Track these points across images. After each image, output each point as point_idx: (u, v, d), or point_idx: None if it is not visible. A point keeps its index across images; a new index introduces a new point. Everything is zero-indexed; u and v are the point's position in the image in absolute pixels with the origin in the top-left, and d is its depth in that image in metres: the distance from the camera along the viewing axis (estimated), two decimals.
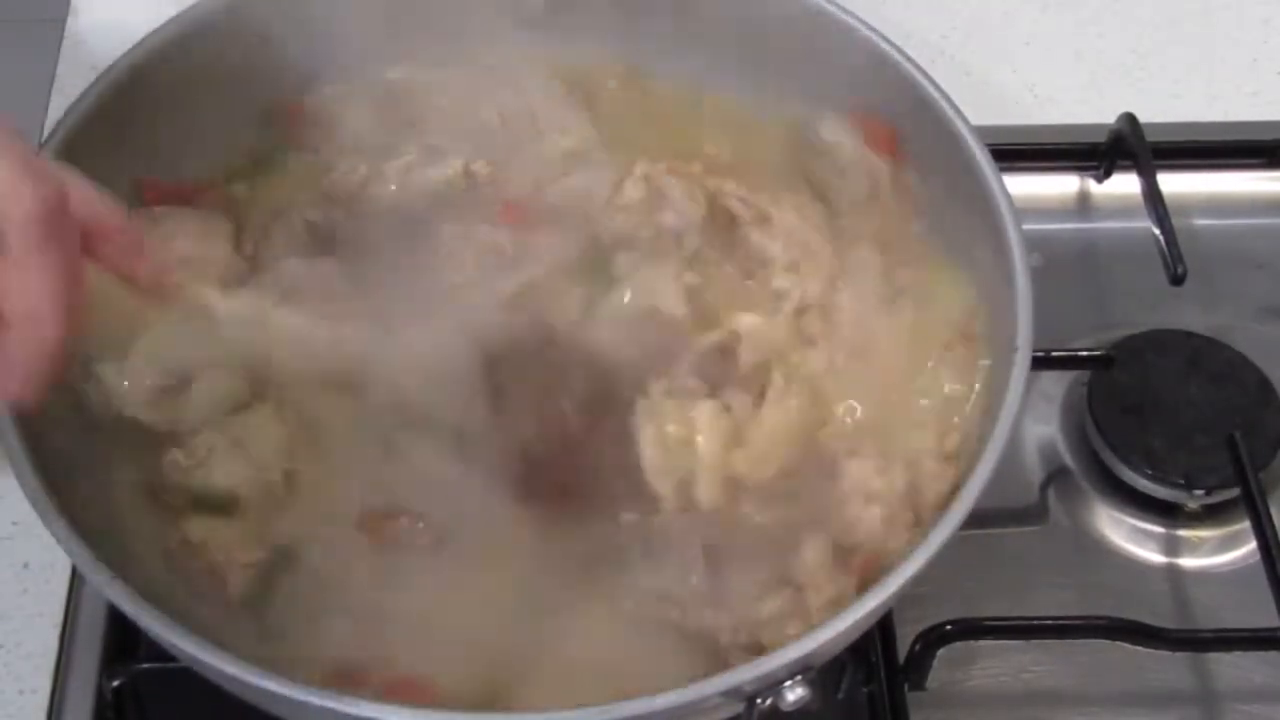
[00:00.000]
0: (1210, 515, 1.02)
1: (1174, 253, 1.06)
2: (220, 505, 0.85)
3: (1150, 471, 1.01)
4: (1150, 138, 1.12)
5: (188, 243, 0.91)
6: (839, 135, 0.97)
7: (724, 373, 0.90)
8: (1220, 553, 1.01)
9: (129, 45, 0.94)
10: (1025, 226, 0.88)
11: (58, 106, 1.09)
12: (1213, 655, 0.96)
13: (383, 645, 0.81)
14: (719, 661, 0.81)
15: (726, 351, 0.91)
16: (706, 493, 0.85)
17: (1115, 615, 0.93)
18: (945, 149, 0.93)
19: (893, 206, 0.96)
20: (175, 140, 0.95)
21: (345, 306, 0.89)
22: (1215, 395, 1.04)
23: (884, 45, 0.96)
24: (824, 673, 0.76)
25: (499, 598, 0.84)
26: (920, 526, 0.84)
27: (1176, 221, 1.07)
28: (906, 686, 0.92)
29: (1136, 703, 0.95)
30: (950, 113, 0.93)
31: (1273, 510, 0.98)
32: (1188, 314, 1.09)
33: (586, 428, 0.87)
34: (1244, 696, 0.95)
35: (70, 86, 1.14)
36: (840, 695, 0.92)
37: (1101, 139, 1.16)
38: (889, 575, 0.77)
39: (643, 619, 0.83)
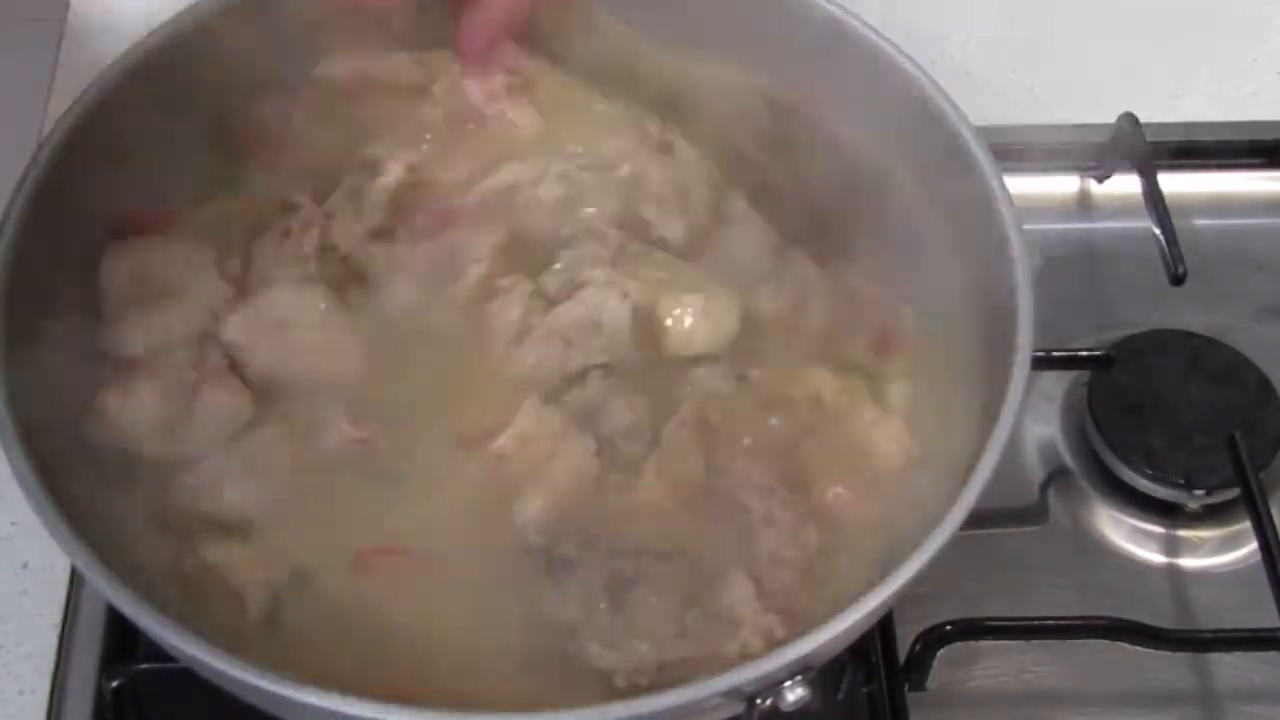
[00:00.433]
0: (1210, 515, 1.02)
1: (1174, 253, 1.06)
2: (234, 526, 0.84)
3: (1150, 471, 1.01)
4: (1150, 138, 1.13)
5: (172, 275, 0.90)
6: None
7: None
8: (1220, 553, 1.01)
9: (129, 45, 0.94)
10: (1025, 226, 0.88)
11: (57, 106, 1.09)
12: (1213, 655, 0.96)
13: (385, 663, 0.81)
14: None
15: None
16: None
17: (1115, 615, 0.93)
18: (945, 149, 0.93)
19: None
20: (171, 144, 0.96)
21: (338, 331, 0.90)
22: (1215, 395, 1.04)
23: (884, 45, 0.96)
24: (824, 673, 0.76)
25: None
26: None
27: (1177, 221, 1.07)
28: (906, 686, 0.92)
29: (1136, 703, 0.95)
30: (950, 113, 0.93)
31: (1273, 510, 0.98)
32: (1188, 314, 1.09)
33: None
34: (1244, 696, 0.96)
35: (70, 86, 1.13)
36: (840, 695, 0.92)
37: (1102, 139, 1.16)
38: (889, 575, 0.77)
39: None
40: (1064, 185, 1.19)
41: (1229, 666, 0.96)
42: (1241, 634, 0.95)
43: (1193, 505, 1.02)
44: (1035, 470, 1.05)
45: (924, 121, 0.94)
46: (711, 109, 1.00)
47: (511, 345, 0.90)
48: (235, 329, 0.88)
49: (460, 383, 0.89)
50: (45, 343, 0.85)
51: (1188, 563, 1.01)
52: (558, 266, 0.93)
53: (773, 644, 0.79)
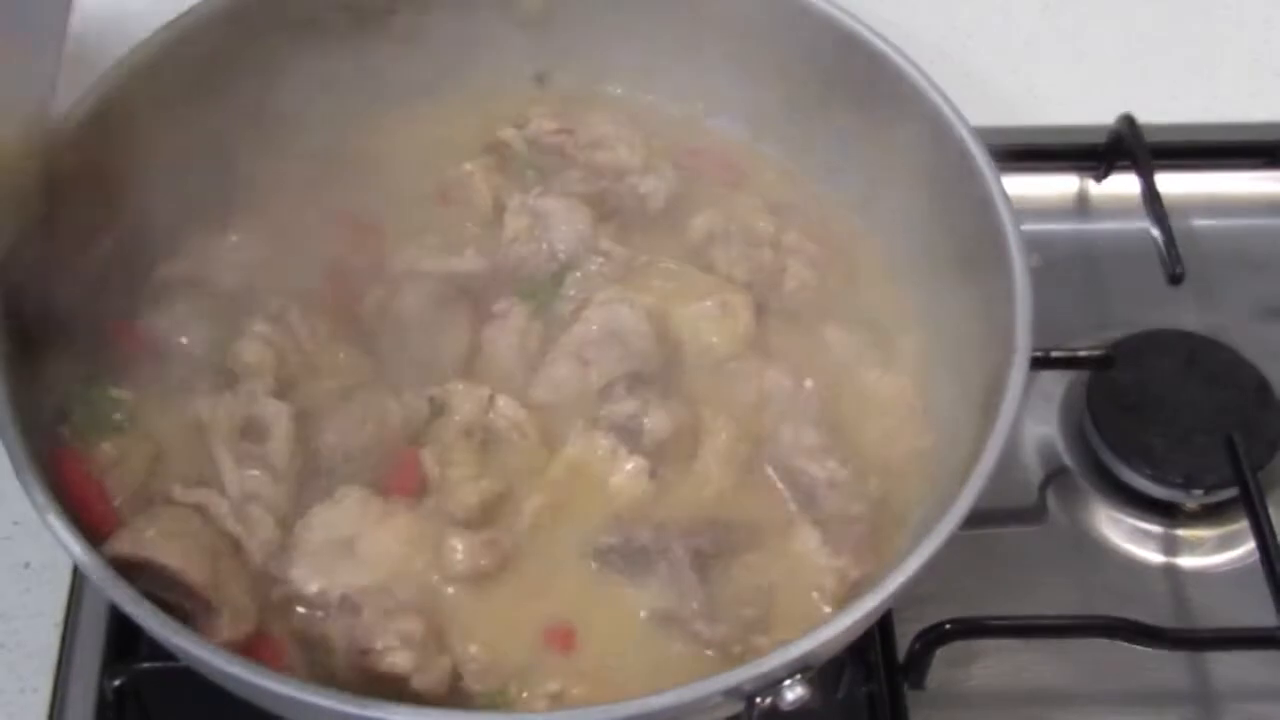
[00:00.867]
0: (1209, 515, 1.02)
1: (1172, 253, 1.06)
2: None
3: (1149, 471, 1.01)
4: (1149, 138, 1.13)
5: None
6: None
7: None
8: (1219, 552, 1.02)
9: (129, 45, 0.94)
10: (1025, 227, 0.88)
11: (58, 106, 1.09)
12: (1211, 654, 0.96)
13: None
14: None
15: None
16: None
17: (1114, 614, 0.93)
18: (945, 149, 0.93)
19: None
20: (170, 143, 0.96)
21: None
22: (1213, 395, 1.04)
23: (884, 46, 0.96)
24: (824, 672, 0.76)
25: None
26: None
27: (1175, 222, 1.07)
28: (906, 686, 0.92)
29: (1135, 702, 0.96)
30: (950, 113, 0.93)
31: (1271, 510, 0.98)
32: (1186, 314, 1.09)
33: None
34: (1242, 695, 0.96)
35: (71, 86, 1.13)
36: (840, 695, 0.92)
37: (1101, 139, 1.16)
38: (889, 575, 0.77)
39: None
40: (1063, 186, 1.19)
41: (1227, 665, 0.96)
42: (1239, 633, 0.95)
43: (1191, 505, 1.02)
44: (1034, 470, 1.05)
45: (924, 122, 0.95)
46: None
47: (529, 373, 0.92)
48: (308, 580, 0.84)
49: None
50: (45, 345, 0.85)
51: (1186, 562, 1.01)
52: (569, 291, 0.95)
53: (849, 585, 0.84)
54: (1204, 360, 1.06)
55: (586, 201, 0.98)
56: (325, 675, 0.81)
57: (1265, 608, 0.94)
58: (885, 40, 0.96)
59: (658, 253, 0.98)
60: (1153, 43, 1.27)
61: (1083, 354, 1.05)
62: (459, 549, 0.84)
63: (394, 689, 0.79)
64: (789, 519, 0.88)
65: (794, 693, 0.75)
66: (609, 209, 0.99)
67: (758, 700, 0.75)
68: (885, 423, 0.93)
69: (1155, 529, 1.02)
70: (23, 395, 0.81)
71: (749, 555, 0.87)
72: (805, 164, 1.04)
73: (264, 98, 0.98)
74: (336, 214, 0.97)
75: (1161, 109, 1.19)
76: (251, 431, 0.87)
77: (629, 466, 0.88)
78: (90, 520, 0.81)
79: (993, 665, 0.96)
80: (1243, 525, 0.99)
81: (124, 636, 0.93)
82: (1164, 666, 0.96)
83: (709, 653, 0.83)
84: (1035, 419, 1.06)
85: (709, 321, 0.94)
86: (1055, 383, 1.08)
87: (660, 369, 0.92)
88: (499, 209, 0.99)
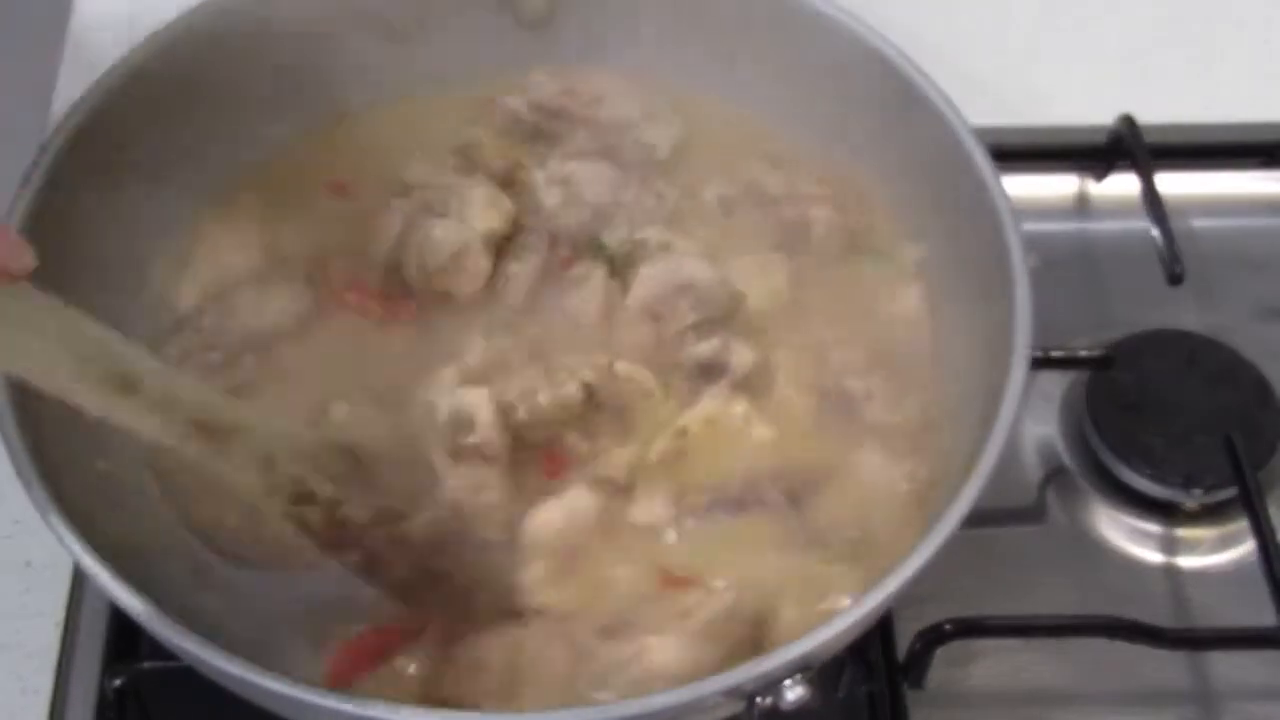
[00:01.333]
0: (1208, 515, 1.02)
1: (1172, 253, 1.06)
2: None
3: (1149, 471, 1.01)
4: (1149, 138, 1.13)
5: None
6: None
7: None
8: (1218, 552, 1.02)
9: (130, 45, 0.94)
10: (1024, 227, 0.88)
11: (59, 107, 1.09)
12: (1211, 654, 0.96)
13: None
14: None
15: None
16: None
17: (1113, 614, 0.93)
18: (944, 149, 0.93)
19: None
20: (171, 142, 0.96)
21: None
22: (1213, 395, 1.04)
23: (884, 46, 0.96)
24: (824, 672, 0.76)
25: None
26: None
27: (1175, 222, 1.07)
28: (906, 686, 0.92)
29: (1135, 702, 0.96)
30: (950, 113, 0.93)
31: (1270, 510, 0.98)
32: (1186, 314, 1.09)
33: None
34: (1242, 696, 0.96)
35: (72, 86, 1.14)
36: (840, 695, 0.92)
37: (1100, 139, 1.16)
38: (889, 575, 0.77)
39: None
40: (1063, 185, 1.19)
41: (1227, 665, 0.96)
42: (1239, 633, 0.95)
43: (1191, 505, 1.02)
44: (1034, 470, 1.05)
45: (924, 122, 0.95)
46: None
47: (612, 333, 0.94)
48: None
49: None
50: None
51: (1186, 562, 1.01)
52: (618, 230, 0.98)
53: (924, 484, 0.89)
54: (1204, 360, 1.06)
55: (603, 157, 1.00)
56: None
57: (1265, 608, 0.94)
58: (885, 40, 0.96)
59: (686, 199, 1.01)
60: (1153, 43, 1.27)
61: (1083, 354, 1.05)
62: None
63: None
64: (850, 449, 0.91)
65: (794, 692, 0.75)
66: (623, 162, 1.01)
67: (758, 700, 0.75)
68: (907, 342, 0.96)
69: (1155, 529, 1.02)
70: None
71: (830, 489, 0.90)
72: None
73: (262, 98, 0.99)
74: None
75: (1161, 109, 1.19)
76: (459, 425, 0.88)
77: (739, 410, 0.91)
78: None
79: (992, 665, 0.96)
80: (1243, 525, 0.99)
81: (124, 636, 0.93)
82: (1164, 666, 0.96)
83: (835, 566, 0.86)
84: (1035, 419, 1.06)
85: (749, 276, 0.97)
86: (1055, 383, 1.08)
87: (725, 313, 0.95)
88: (515, 172, 1.01)
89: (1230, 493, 1.00)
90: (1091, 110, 1.18)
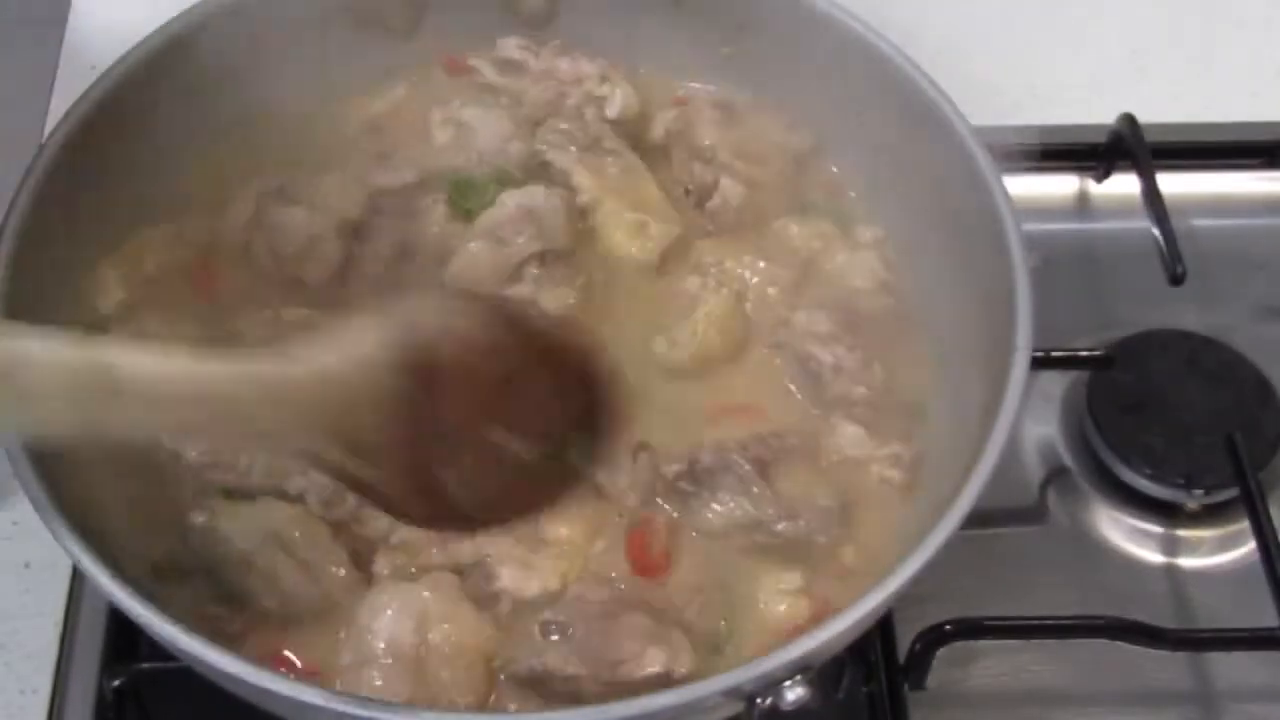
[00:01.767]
0: (1209, 515, 1.02)
1: (1173, 253, 1.06)
2: None
3: (1150, 471, 1.01)
4: (1149, 138, 1.13)
5: None
6: None
7: None
8: (1219, 552, 1.02)
9: (129, 45, 0.94)
10: (1025, 226, 0.88)
11: (58, 106, 1.09)
12: (1212, 655, 0.96)
13: None
14: None
15: None
16: None
17: (1114, 615, 0.93)
18: (945, 149, 0.93)
19: None
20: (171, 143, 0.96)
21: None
22: (1214, 395, 1.04)
23: (884, 46, 0.96)
24: (824, 673, 0.76)
25: None
26: None
27: (1176, 222, 1.07)
28: (906, 686, 0.92)
29: (1136, 702, 0.95)
30: (950, 113, 0.93)
31: (1272, 510, 0.98)
32: (1187, 314, 1.09)
33: None
34: (1243, 696, 0.96)
35: (70, 86, 1.14)
36: (840, 695, 0.91)
37: (1101, 139, 1.16)
38: (889, 575, 0.77)
39: None
40: (1063, 185, 1.19)
41: (1227, 665, 0.96)
42: (1240, 633, 0.95)
43: (1192, 505, 1.02)
44: (1035, 470, 1.05)
45: (924, 122, 0.95)
46: None
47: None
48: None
49: None
50: None
51: (1187, 562, 1.01)
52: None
53: (909, 467, 0.89)
54: (1204, 360, 1.05)
55: (545, 109, 1.02)
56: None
57: (1265, 608, 0.94)
58: (885, 40, 0.96)
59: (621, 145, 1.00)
60: (1153, 43, 1.27)
61: (1083, 354, 1.05)
62: None
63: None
64: (825, 416, 0.92)
65: (794, 693, 0.75)
66: (568, 110, 1.02)
67: (758, 700, 0.75)
68: (865, 304, 0.96)
69: (1155, 529, 1.02)
70: None
71: (804, 458, 0.90)
72: None
73: (258, 94, 0.99)
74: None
75: (1161, 109, 1.19)
76: None
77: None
78: None
79: (992, 665, 0.95)
80: (1243, 525, 0.99)
81: (124, 636, 0.93)
82: (1164, 667, 0.95)
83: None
84: (1035, 419, 1.06)
85: (625, 230, 0.97)
86: (1055, 383, 1.08)
87: (565, 249, 0.95)
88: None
89: (1231, 493, 1.00)
90: (1091, 110, 1.18)
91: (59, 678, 0.93)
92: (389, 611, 0.81)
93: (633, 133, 1.02)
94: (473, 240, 0.94)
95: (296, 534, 0.85)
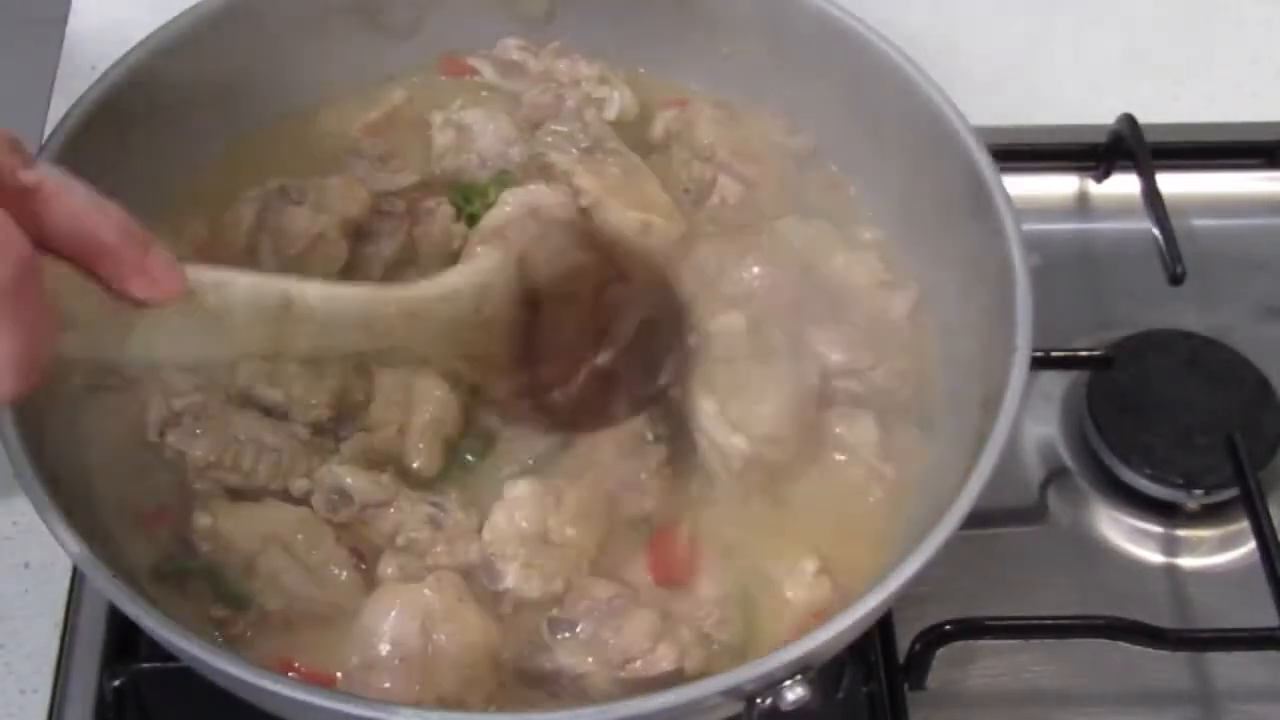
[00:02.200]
0: (1209, 515, 1.02)
1: (1173, 253, 1.06)
2: None
3: (1150, 471, 1.01)
4: (1149, 138, 1.13)
5: None
6: None
7: None
8: (1219, 552, 1.01)
9: (129, 45, 0.94)
10: (1025, 226, 0.88)
11: (58, 106, 1.09)
12: (1212, 655, 0.96)
13: None
14: None
15: None
16: None
17: (1114, 615, 0.93)
18: (945, 150, 0.93)
19: None
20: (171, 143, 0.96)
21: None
22: (1214, 395, 1.04)
23: (884, 46, 0.96)
24: (824, 673, 0.76)
25: None
26: None
27: (1175, 222, 1.07)
28: (906, 686, 0.92)
29: (1136, 702, 0.95)
30: (950, 113, 0.93)
31: (1271, 510, 0.98)
32: (1187, 314, 1.09)
33: None
34: (1243, 696, 0.96)
35: (70, 86, 1.14)
36: (840, 695, 0.92)
37: (1101, 139, 1.16)
38: (889, 575, 0.77)
39: None
40: (1063, 185, 1.19)
41: (1227, 665, 0.96)
42: (1240, 633, 0.95)
43: (1191, 505, 1.02)
44: (1035, 470, 1.05)
45: (924, 122, 0.95)
46: None
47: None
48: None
49: None
50: None
51: (1187, 562, 1.01)
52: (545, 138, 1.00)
53: (904, 465, 0.90)
54: (1204, 360, 1.05)
55: (544, 110, 1.02)
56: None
57: (1265, 608, 0.94)
58: (885, 40, 0.96)
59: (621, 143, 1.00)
60: (1153, 43, 1.27)
61: (1083, 354, 1.05)
62: None
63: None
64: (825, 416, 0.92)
65: (794, 693, 0.75)
66: (567, 113, 1.02)
67: (758, 700, 0.75)
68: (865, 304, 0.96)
69: (1155, 529, 1.02)
70: None
71: (805, 459, 0.91)
72: None
73: (259, 94, 0.99)
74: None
75: (1161, 109, 1.19)
76: None
77: None
78: None
79: (992, 665, 0.95)
80: (1243, 525, 0.99)
81: (124, 636, 0.93)
82: (1164, 666, 0.95)
83: None
84: (1035, 419, 1.06)
85: (628, 230, 0.96)
86: (1055, 383, 1.07)
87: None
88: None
89: (1231, 493, 1.00)
90: (1091, 110, 1.18)
91: (59, 678, 0.93)
92: (394, 613, 0.81)
93: (633, 133, 1.02)
94: (480, 238, 0.94)
95: (300, 536, 0.84)
